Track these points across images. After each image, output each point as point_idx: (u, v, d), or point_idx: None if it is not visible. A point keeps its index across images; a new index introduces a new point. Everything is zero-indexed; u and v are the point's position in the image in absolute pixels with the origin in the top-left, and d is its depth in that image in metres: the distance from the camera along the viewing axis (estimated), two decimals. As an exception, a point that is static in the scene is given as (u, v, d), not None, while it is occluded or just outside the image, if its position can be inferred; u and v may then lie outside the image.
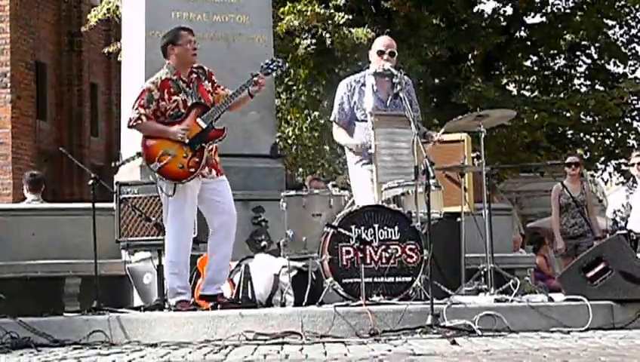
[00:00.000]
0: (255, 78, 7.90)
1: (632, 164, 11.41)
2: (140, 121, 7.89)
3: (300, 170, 23.13)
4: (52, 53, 26.76)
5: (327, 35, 17.11)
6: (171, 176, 7.77)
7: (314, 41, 17.31)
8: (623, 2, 21.17)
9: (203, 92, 8.00)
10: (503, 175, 23.00)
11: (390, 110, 8.48)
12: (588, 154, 21.68)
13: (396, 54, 8.64)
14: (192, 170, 7.76)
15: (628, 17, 21.78)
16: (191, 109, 7.89)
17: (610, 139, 22.05)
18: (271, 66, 8.09)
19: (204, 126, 7.82)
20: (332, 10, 17.23)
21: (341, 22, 17.05)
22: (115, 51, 18.65)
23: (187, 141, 7.78)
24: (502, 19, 21.29)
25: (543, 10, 21.45)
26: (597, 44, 21.44)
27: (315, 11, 16.95)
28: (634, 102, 21.51)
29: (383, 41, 8.76)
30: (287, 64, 8.17)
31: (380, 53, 8.59)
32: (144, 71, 10.91)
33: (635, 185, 11.48)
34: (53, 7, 26.84)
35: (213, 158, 7.93)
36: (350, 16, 17.33)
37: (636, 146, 20.51)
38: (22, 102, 24.37)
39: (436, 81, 19.61)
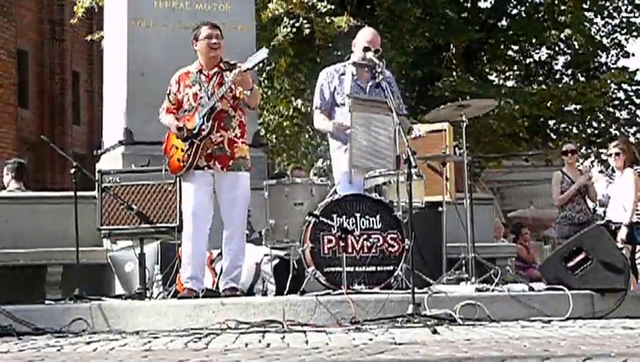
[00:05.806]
0: (235, 71, 7.83)
1: (610, 155, 11.44)
2: (160, 115, 8.20)
3: (279, 159, 23.07)
4: (34, 42, 26.68)
5: (307, 25, 17.11)
6: (172, 168, 8.04)
7: (293, 29, 17.30)
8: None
9: (219, 86, 7.93)
10: (486, 164, 23.02)
11: (369, 97, 8.47)
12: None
13: (380, 50, 8.63)
14: (183, 163, 7.89)
15: (610, 8, 21.86)
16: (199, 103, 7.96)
17: (592, 129, 22.11)
18: (252, 60, 7.92)
19: (197, 121, 7.84)
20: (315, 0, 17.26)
21: (323, 11, 17.07)
22: (98, 39, 18.60)
23: (185, 135, 7.86)
24: (482, 11, 21.34)
25: (525, 2, 21.51)
26: (579, 35, 21.49)
27: (300, 0, 17.02)
28: (615, 92, 21.59)
29: (369, 37, 8.67)
30: (267, 54, 8.07)
31: (366, 49, 8.55)
32: (126, 59, 10.89)
33: (614, 175, 11.50)
34: (35, -5, 26.75)
35: (224, 152, 7.91)
36: (333, 6, 17.35)
37: (618, 135, 20.57)
38: (3, 91, 24.33)
39: (418, 72, 19.62)
